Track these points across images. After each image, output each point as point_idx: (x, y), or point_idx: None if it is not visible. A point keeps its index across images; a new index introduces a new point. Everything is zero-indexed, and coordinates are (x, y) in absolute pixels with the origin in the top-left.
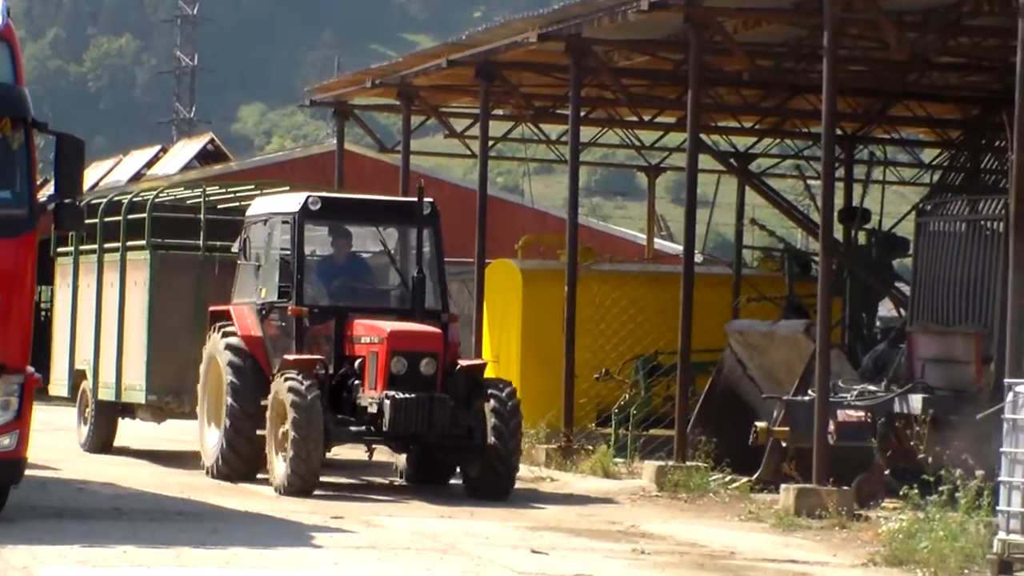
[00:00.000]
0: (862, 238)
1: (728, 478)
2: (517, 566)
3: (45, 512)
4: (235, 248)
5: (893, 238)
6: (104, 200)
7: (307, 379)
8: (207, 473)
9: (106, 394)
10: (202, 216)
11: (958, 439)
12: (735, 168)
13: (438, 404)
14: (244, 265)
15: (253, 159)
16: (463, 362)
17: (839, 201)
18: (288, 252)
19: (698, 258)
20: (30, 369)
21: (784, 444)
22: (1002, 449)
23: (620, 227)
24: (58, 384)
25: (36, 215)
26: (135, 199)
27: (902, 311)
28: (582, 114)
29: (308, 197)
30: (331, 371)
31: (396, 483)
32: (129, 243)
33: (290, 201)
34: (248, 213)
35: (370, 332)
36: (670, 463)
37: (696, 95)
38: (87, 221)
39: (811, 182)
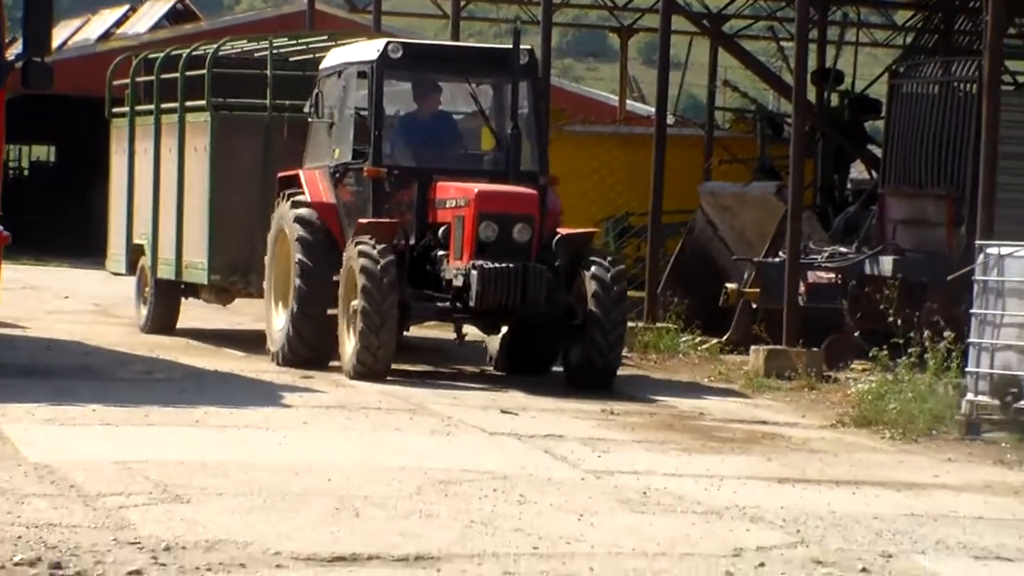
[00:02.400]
0: (835, 100)
1: (698, 339)
2: (487, 426)
3: (13, 370)
4: (307, 107)
5: (866, 100)
6: (160, 55)
7: (385, 251)
8: (272, 359)
9: (166, 272)
10: (269, 71)
11: (928, 301)
12: (708, 29)
13: (533, 275)
14: (317, 124)
15: (224, 18)
16: (563, 231)
17: (812, 63)
18: (365, 108)
19: (670, 120)
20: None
21: (754, 305)
22: (972, 311)
23: (592, 88)
24: (115, 259)
25: (4, 73)
26: (195, 53)
27: (874, 173)
28: None
29: (388, 44)
30: (413, 241)
31: (487, 371)
32: (188, 103)
33: (367, 49)
34: (322, 66)
35: (456, 194)
36: (640, 324)
37: None
38: (141, 78)
39: (784, 43)
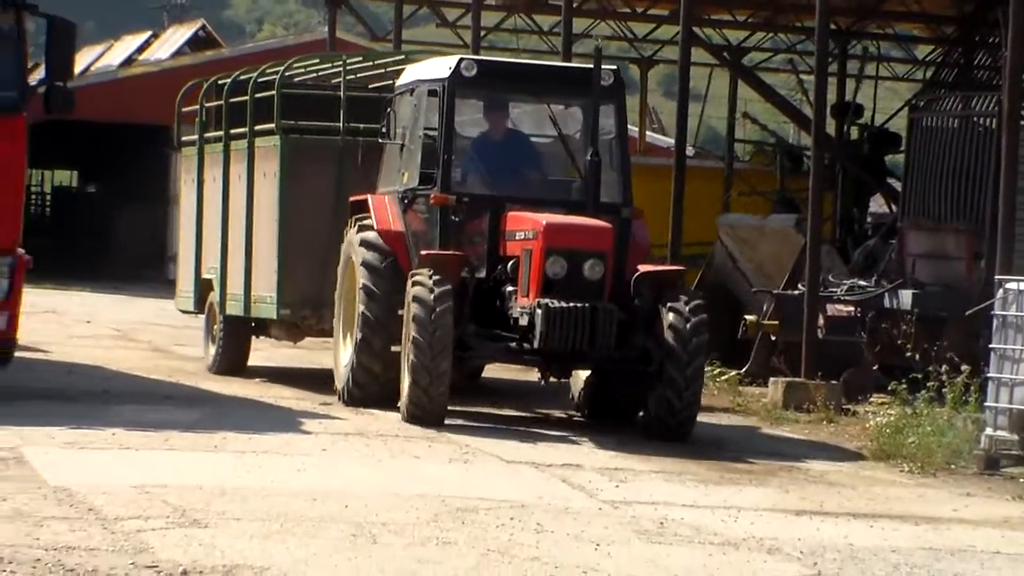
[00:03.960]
0: (854, 133)
1: (717, 371)
2: (505, 454)
3: (34, 394)
4: (381, 127)
5: (885, 133)
6: (229, 79)
7: (441, 281)
8: (339, 398)
9: (234, 308)
10: (342, 93)
11: (947, 335)
12: (728, 62)
13: (603, 316)
14: (389, 147)
15: (245, 46)
16: (645, 267)
17: (832, 96)
18: (435, 129)
19: (690, 151)
20: (20, 251)
21: (773, 338)
22: (991, 345)
23: None
24: (184, 296)
25: (26, 98)
26: (264, 76)
27: (893, 207)
28: (575, 5)
29: (461, 61)
30: (483, 274)
31: (574, 418)
32: (257, 128)
33: (439, 67)
34: (397, 84)
35: (525, 226)
36: None
37: None
38: (209, 104)
39: (804, 77)
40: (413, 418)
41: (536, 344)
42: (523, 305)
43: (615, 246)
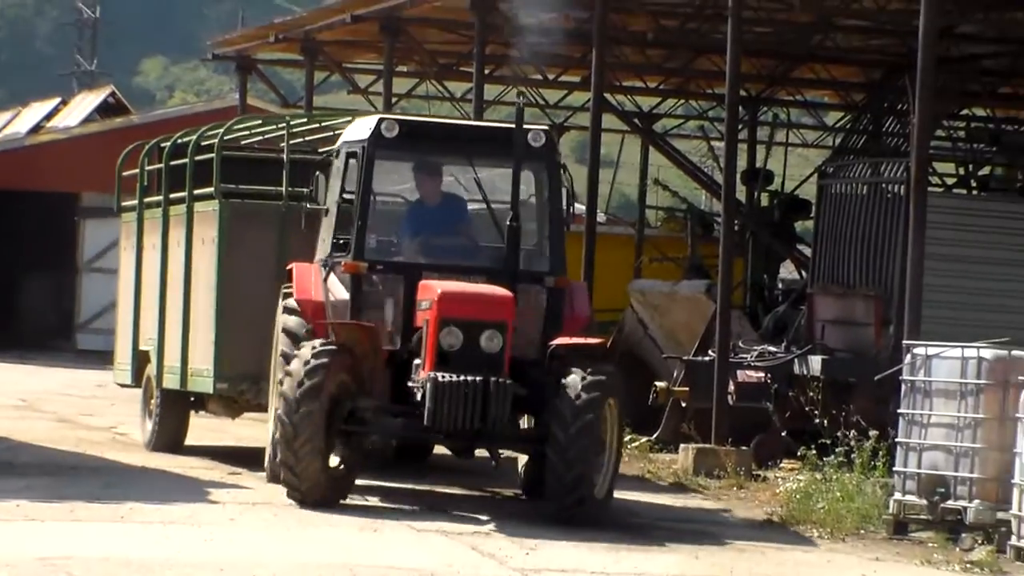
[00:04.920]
0: (764, 200)
1: (628, 437)
2: (416, 524)
3: None
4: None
5: (795, 200)
6: (169, 143)
7: (323, 354)
8: (267, 477)
9: (171, 381)
10: (285, 156)
11: (856, 400)
12: (639, 128)
13: (496, 391)
14: (319, 213)
15: (155, 112)
16: (563, 340)
17: (742, 162)
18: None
19: (601, 218)
20: None
21: (684, 404)
22: (899, 410)
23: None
24: (121, 369)
25: None
26: (205, 138)
27: (803, 273)
28: (486, 72)
29: (381, 121)
30: (399, 345)
31: (520, 497)
32: (196, 192)
33: (361, 128)
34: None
35: (427, 295)
36: None
37: (600, 54)
38: (150, 167)
39: (715, 143)
40: (291, 497)
41: (425, 421)
42: (419, 379)
43: (538, 316)
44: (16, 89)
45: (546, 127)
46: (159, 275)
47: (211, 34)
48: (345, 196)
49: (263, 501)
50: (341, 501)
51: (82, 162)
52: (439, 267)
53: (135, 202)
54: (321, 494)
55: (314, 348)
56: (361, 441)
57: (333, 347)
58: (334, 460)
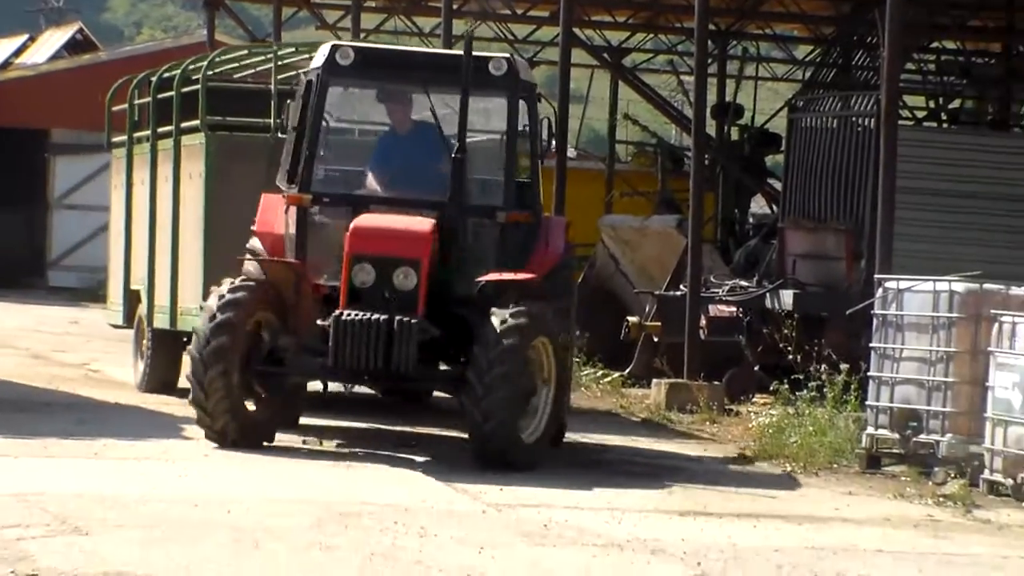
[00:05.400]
0: (735, 134)
1: (600, 373)
2: (390, 463)
3: None
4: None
5: (766, 134)
6: (156, 76)
7: (239, 289)
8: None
9: (161, 321)
10: (273, 85)
11: (828, 335)
12: (608, 63)
13: (401, 330)
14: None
15: (123, 49)
16: (493, 276)
17: (712, 97)
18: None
19: (571, 153)
20: None
21: (656, 339)
22: (871, 344)
23: None
24: (113, 310)
25: None
26: (191, 69)
27: (774, 207)
28: (455, 7)
29: (336, 48)
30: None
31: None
32: (184, 125)
33: (320, 56)
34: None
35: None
36: None
37: None
38: (139, 102)
39: (684, 78)
40: (208, 438)
41: (328, 360)
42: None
43: (492, 253)
44: None
45: (508, 55)
46: (148, 212)
47: None
48: (293, 126)
49: None
50: (265, 443)
51: (51, 99)
52: (386, 200)
53: (124, 138)
54: (237, 435)
55: (232, 283)
56: (281, 381)
57: (251, 283)
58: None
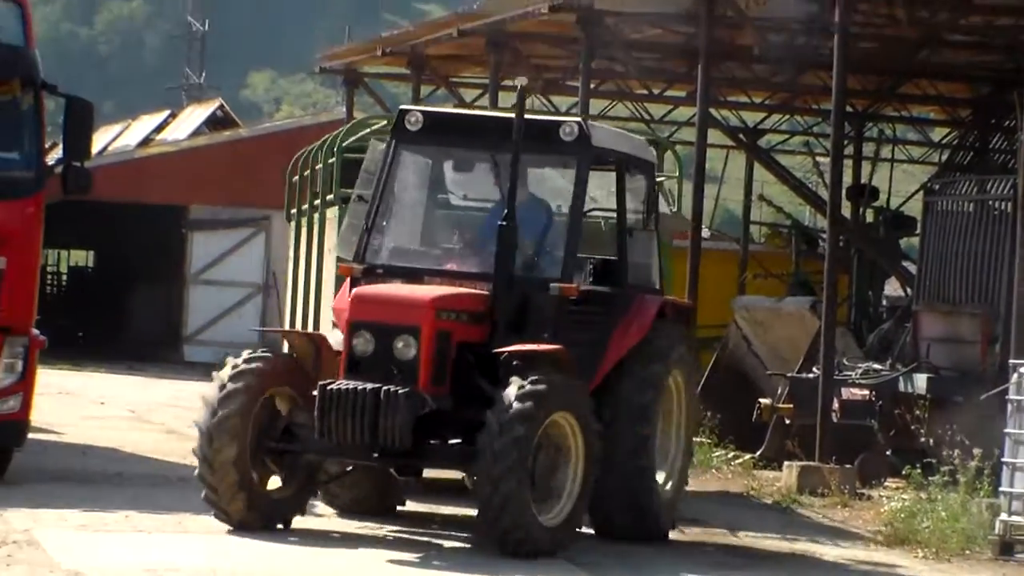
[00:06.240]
0: (870, 216)
1: (732, 454)
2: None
3: (47, 476)
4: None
5: (901, 216)
6: (311, 150)
7: (254, 359)
8: None
9: None
10: None
11: (961, 419)
12: (744, 143)
13: (389, 401)
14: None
15: (262, 126)
16: (512, 348)
17: (847, 178)
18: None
19: (706, 233)
20: (35, 332)
21: (788, 421)
22: (1006, 430)
23: None
24: None
25: (43, 178)
26: (331, 143)
27: (908, 290)
28: (592, 87)
29: (403, 113)
30: None
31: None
32: (328, 196)
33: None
34: None
35: None
36: None
37: (707, 69)
38: (305, 174)
39: (820, 159)
40: (217, 518)
41: (316, 433)
42: None
43: (548, 325)
44: (126, 102)
45: (580, 119)
46: (303, 285)
47: (319, 48)
48: (359, 196)
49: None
50: (279, 526)
51: (190, 175)
52: (442, 273)
53: (295, 210)
54: (246, 515)
55: (249, 353)
56: (296, 459)
57: (269, 354)
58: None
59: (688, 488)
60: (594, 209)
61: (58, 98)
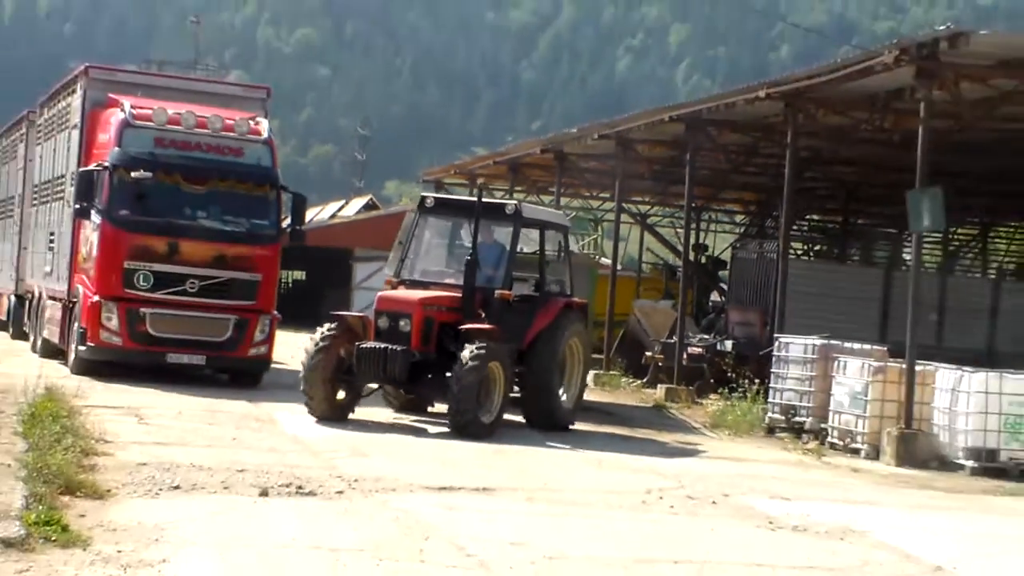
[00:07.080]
0: (704, 260)
1: (632, 381)
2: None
3: (279, 385)
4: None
5: (719, 260)
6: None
7: (335, 328)
8: None
9: None
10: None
11: (750, 366)
12: (639, 221)
13: (391, 355)
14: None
15: (392, 209)
16: (467, 326)
17: (693, 239)
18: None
19: (619, 267)
20: (275, 312)
21: (660, 364)
22: (772, 370)
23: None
24: None
25: (280, 233)
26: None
27: (723, 298)
28: (563, 190)
29: (424, 197)
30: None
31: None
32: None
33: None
34: None
35: None
36: (602, 372)
37: (622, 184)
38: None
39: (679, 229)
40: (310, 414)
41: (356, 370)
42: None
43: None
44: (322, 193)
45: (517, 203)
46: None
47: (422, 168)
48: (400, 241)
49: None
50: (342, 419)
51: (354, 233)
52: (440, 284)
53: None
54: (326, 414)
55: (329, 326)
56: (352, 382)
57: (335, 328)
58: (341, 395)
59: (608, 401)
60: (528, 251)
61: (287, 193)
